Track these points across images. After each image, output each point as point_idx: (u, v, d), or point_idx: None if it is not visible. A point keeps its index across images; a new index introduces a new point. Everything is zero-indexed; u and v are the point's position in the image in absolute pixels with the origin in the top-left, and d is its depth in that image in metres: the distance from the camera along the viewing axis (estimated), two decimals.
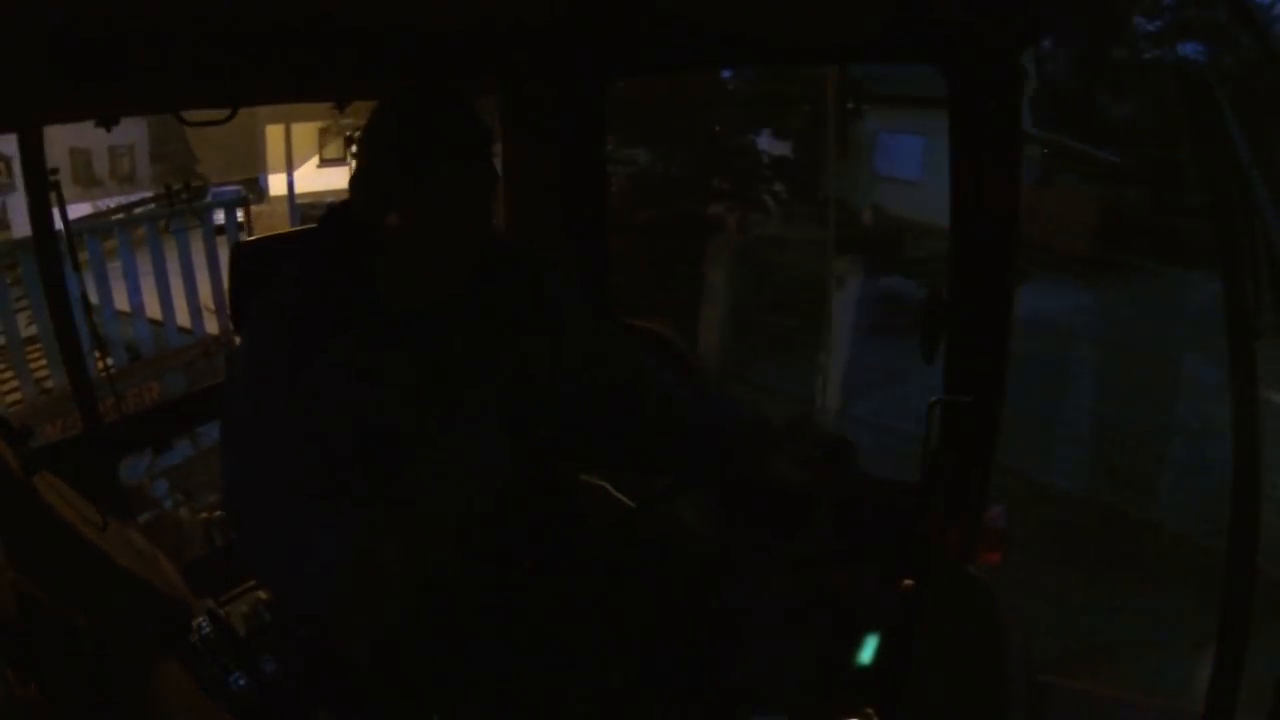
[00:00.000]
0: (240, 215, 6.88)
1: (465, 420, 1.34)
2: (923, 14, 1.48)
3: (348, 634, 1.20)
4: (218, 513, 2.26)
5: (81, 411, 2.07)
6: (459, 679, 1.29)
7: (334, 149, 11.59)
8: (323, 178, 11.09)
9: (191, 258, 6.03)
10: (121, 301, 6.06)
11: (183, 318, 6.20)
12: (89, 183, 10.93)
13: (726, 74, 8.79)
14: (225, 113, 1.89)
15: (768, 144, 9.75)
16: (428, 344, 1.31)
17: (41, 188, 1.96)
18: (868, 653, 1.26)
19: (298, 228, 5.85)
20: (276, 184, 10.69)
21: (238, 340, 1.41)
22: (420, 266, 1.28)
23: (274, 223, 8.95)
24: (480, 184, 1.24)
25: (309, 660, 1.33)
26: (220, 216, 6.61)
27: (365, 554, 1.18)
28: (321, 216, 1.38)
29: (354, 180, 1.27)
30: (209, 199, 7.50)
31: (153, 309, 6.19)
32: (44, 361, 5.50)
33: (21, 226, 5.77)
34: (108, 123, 1.76)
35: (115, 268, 5.88)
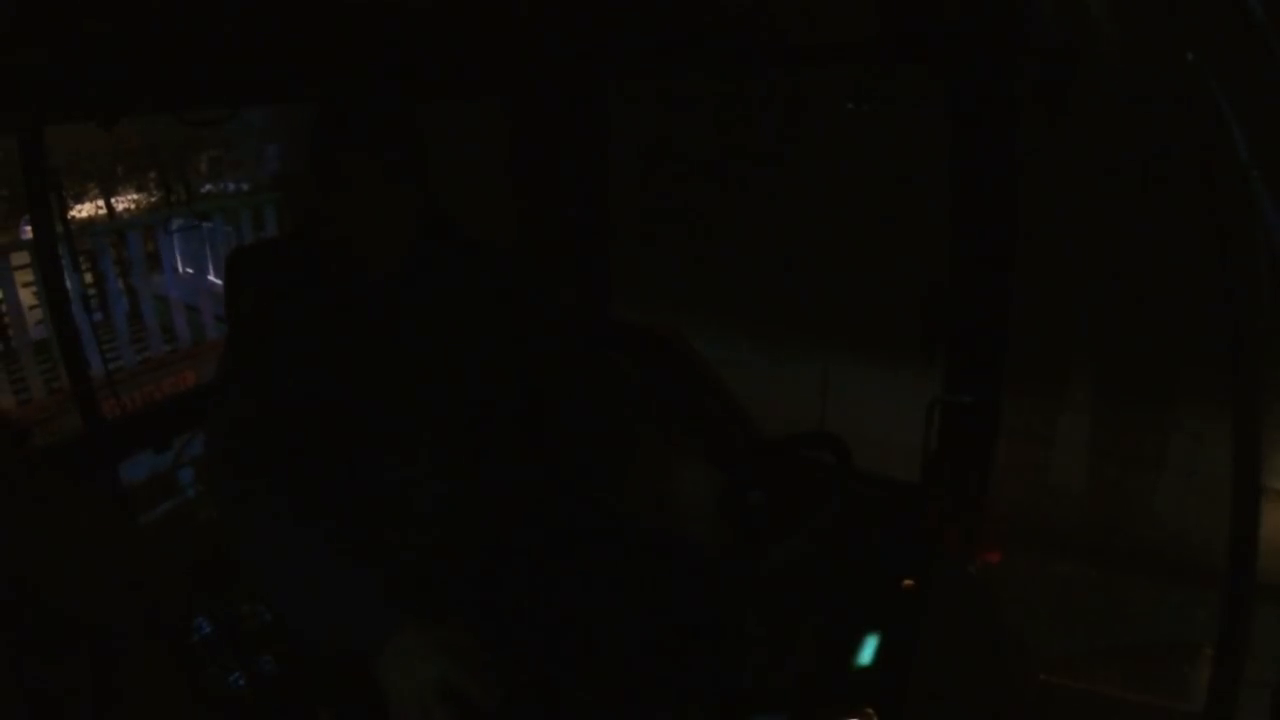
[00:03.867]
0: None
1: (421, 404, 1.35)
2: (922, 15, 1.48)
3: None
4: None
5: (81, 411, 2.07)
6: None
7: None
8: None
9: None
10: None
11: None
12: None
13: None
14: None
15: None
16: (374, 326, 1.35)
17: (41, 188, 1.96)
18: (868, 653, 1.26)
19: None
20: None
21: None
22: (351, 248, 1.33)
23: None
24: (388, 173, 1.29)
25: (309, 660, 1.33)
26: None
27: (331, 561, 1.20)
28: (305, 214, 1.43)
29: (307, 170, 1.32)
30: None
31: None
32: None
33: None
34: (108, 123, 1.76)
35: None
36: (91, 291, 5.51)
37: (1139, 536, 4.12)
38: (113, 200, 8.74)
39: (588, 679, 1.32)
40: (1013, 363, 1.71)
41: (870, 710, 1.15)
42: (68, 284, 2.08)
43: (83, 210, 8.38)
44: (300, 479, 1.25)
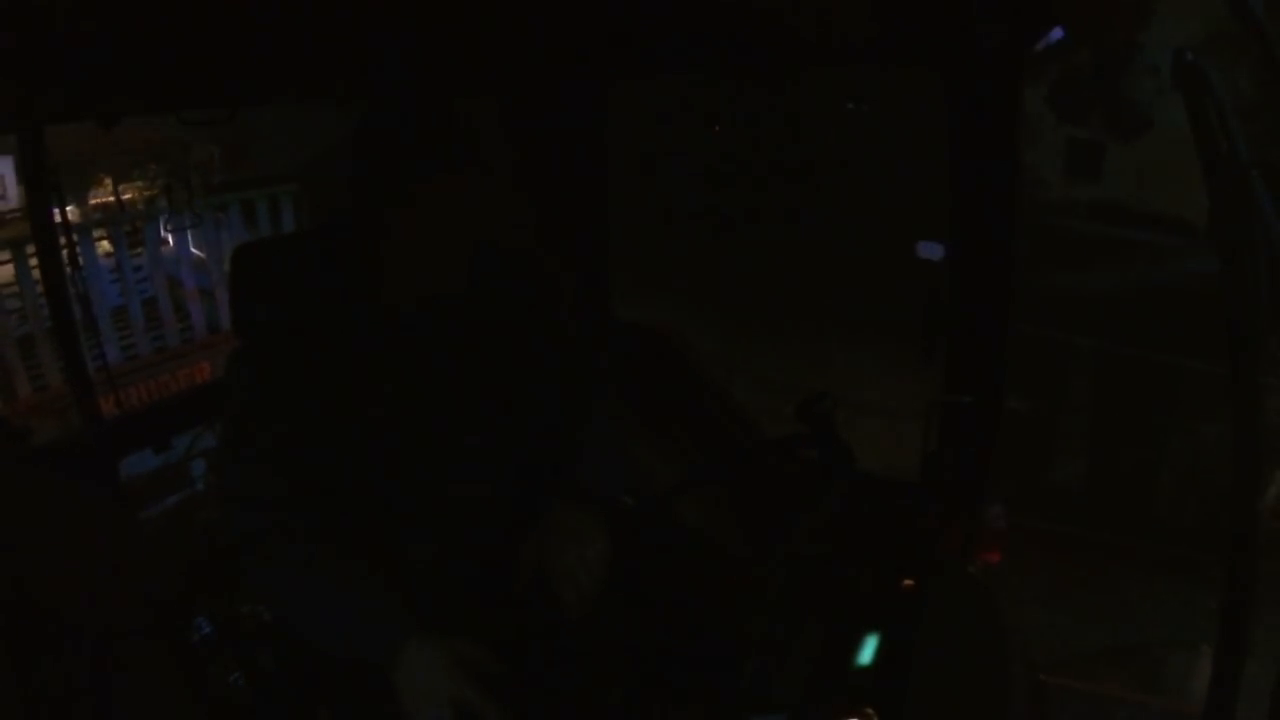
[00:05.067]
0: None
1: (459, 422, 1.34)
2: (921, 15, 1.48)
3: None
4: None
5: (81, 411, 2.07)
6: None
7: None
8: None
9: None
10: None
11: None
12: None
13: None
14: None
15: None
16: (423, 344, 1.31)
17: (41, 188, 1.96)
18: (868, 653, 1.26)
19: (299, 231, 6.07)
20: None
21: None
22: (415, 268, 1.28)
23: None
24: (469, 191, 1.24)
25: (309, 660, 1.33)
26: None
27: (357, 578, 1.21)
28: (324, 220, 1.40)
29: (351, 184, 1.28)
30: None
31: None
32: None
33: None
34: (108, 123, 1.76)
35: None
36: (114, 277, 5.65)
37: (1139, 535, 4.12)
38: (120, 189, 9.04)
39: (589, 681, 1.32)
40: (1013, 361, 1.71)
41: (870, 710, 1.15)
42: (80, 280, 2.10)
43: (96, 199, 8.71)
44: (318, 503, 1.24)
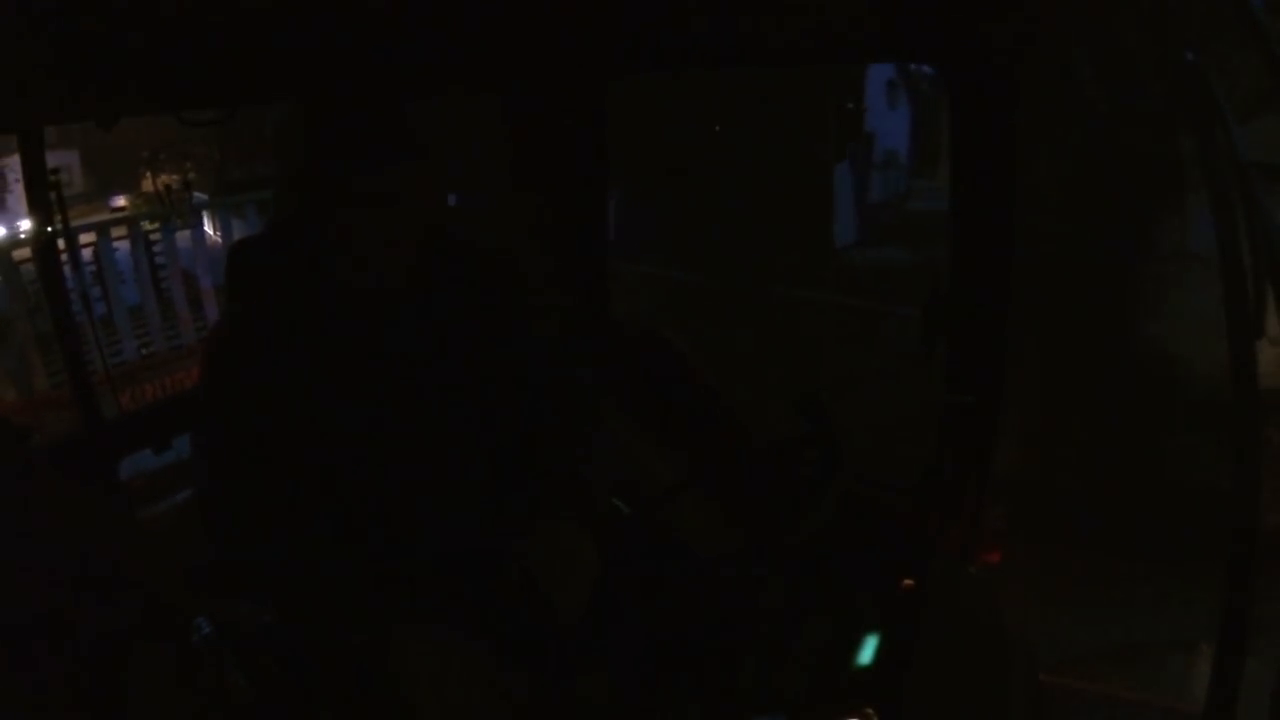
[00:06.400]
0: None
1: (424, 409, 1.34)
2: (922, 14, 1.48)
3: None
4: None
5: (81, 411, 2.07)
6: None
7: None
8: None
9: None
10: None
11: None
12: None
13: None
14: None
15: None
16: (379, 333, 1.32)
17: (41, 188, 1.96)
18: (868, 653, 1.26)
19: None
20: None
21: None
22: (359, 259, 1.29)
23: None
24: (436, 182, 1.27)
25: (309, 660, 1.33)
26: None
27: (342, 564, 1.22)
28: (277, 217, 1.41)
29: (292, 180, 1.28)
30: None
31: None
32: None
33: None
34: (108, 123, 1.76)
35: None
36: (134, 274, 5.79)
37: (1140, 535, 4.13)
38: (159, 181, 9.72)
39: (589, 681, 1.32)
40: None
41: (870, 710, 1.15)
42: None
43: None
44: (301, 494, 1.25)
